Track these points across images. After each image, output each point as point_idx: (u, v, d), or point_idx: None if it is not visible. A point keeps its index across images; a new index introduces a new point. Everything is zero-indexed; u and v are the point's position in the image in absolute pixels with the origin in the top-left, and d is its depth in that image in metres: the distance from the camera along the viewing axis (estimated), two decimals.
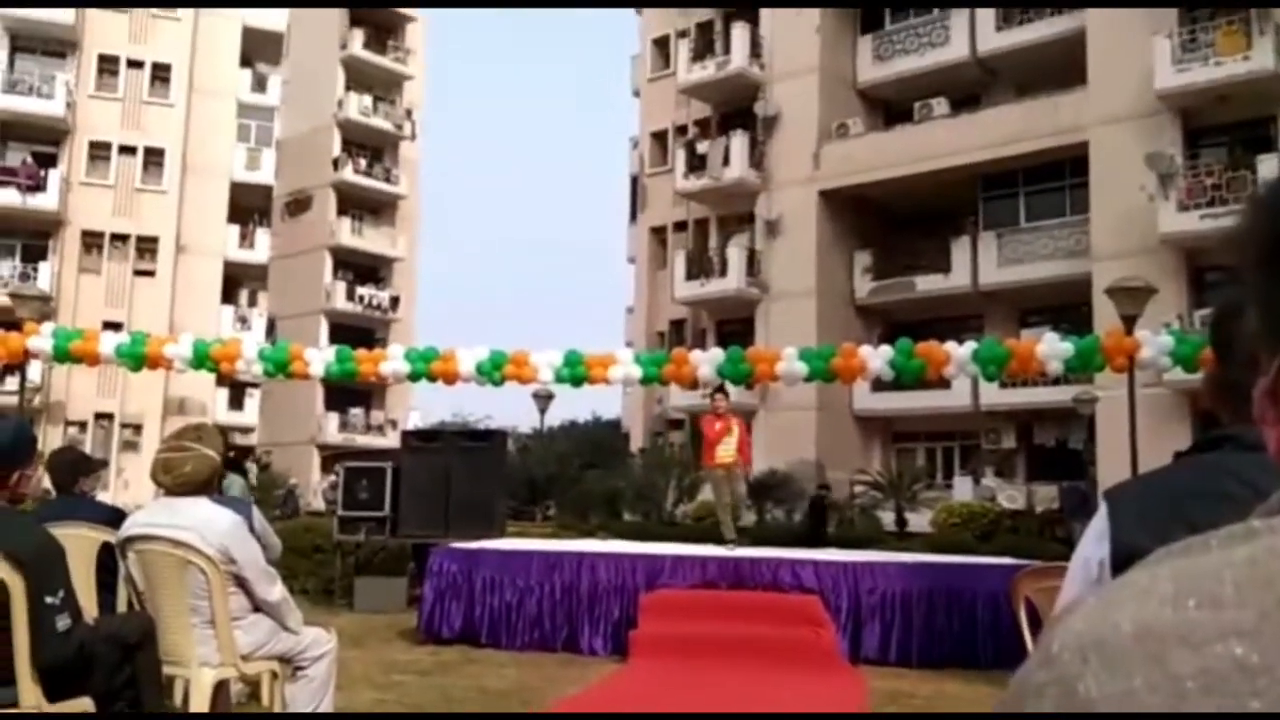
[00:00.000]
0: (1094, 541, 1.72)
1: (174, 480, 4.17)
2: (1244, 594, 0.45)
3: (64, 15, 31.14)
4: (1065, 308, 24.05)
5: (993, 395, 24.44)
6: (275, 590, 4.32)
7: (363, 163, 41.80)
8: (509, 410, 53.61)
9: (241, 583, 4.20)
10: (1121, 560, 1.51)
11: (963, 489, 25.45)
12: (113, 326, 20.33)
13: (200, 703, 4.08)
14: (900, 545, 15.10)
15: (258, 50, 37.47)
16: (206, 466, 4.20)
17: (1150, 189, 21.51)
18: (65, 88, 31.06)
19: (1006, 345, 10.77)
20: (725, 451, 10.39)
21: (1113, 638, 0.46)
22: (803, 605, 8.39)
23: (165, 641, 4.05)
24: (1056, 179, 25.44)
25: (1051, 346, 10.36)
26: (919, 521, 22.59)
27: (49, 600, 3.27)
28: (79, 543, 4.64)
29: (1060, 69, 24.25)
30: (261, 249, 37.74)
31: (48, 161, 31.23)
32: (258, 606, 4.31)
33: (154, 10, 32.54)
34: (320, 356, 11.55)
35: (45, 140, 31.39)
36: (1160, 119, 22.08)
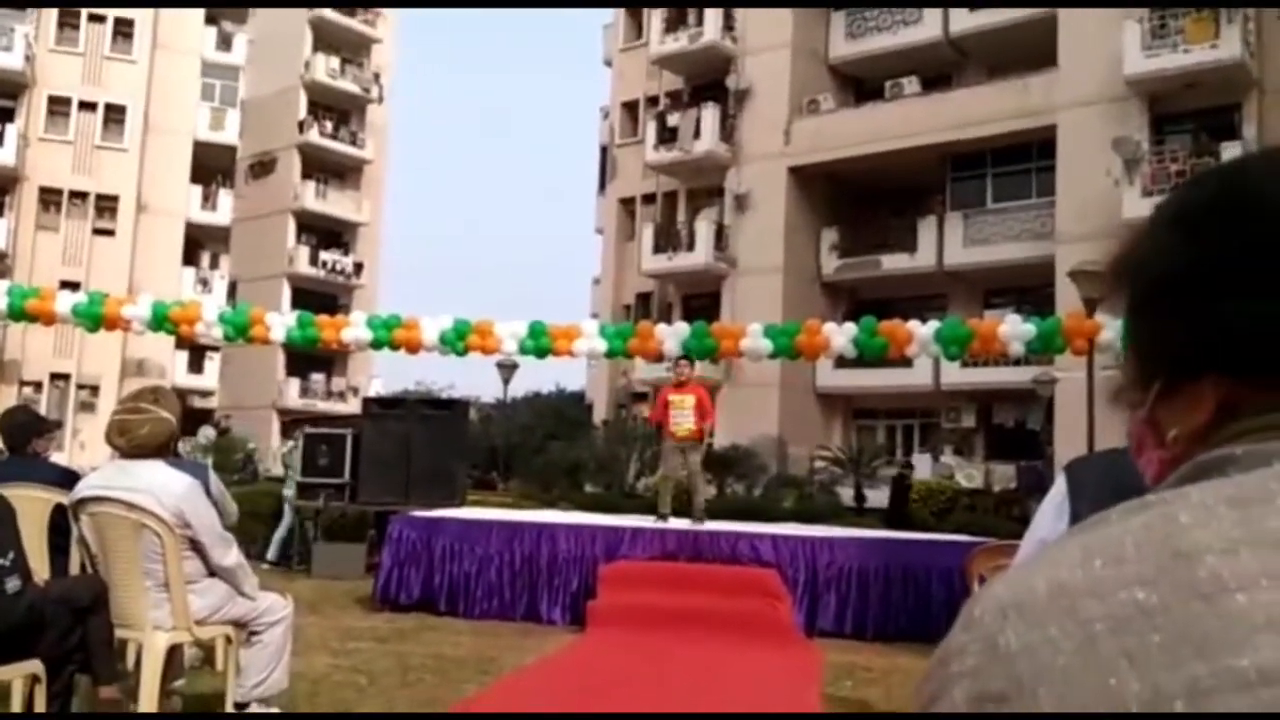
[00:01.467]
0: (1052, 515, 1.73)
1: (129, 443, 4.12)
2: (1142, 551, 0.50)
3: None
4: (1028, 289, 24.26)
5: (954, 375, 24.65)
6: (231, 555, 4.29)
7: (329, 125, 41.30)
8: (472, 380, 53.60)
9: (196, 547, 4.16)
10: None
11: (921, 467, 25.69)
12: (70, 286, 20.03)
13: (153, 666, 4.05)
14: (858, 521, 15.24)
15: (223, 9, 36.83)
16: (164, 430, 4.15)
17: (1116, 174, 21.69)
18: (25, 40, 30.40)
19: (969, 325, 10.84)
20: (680, 424, 9.92)
21: (1028, 597, 0.51)
22: (760, 578, 8.45)
23: (118, 605, 4.01)
24: (1024, 161, 25.59)
25: (1014, 328, 10.44)
26: (878, 498, 22.78)
27: None
28: (31, 504, 4.58)
29: (1031, 51, 24.34)
30: (224, 211, 37.23)
31: (5, 116, 30.59)
32: (213, 571, 4.28)
33: None
34: (281, 321, 11.43)
35: (3, 94, 30.73)
36: (1128, 104, 22.24)
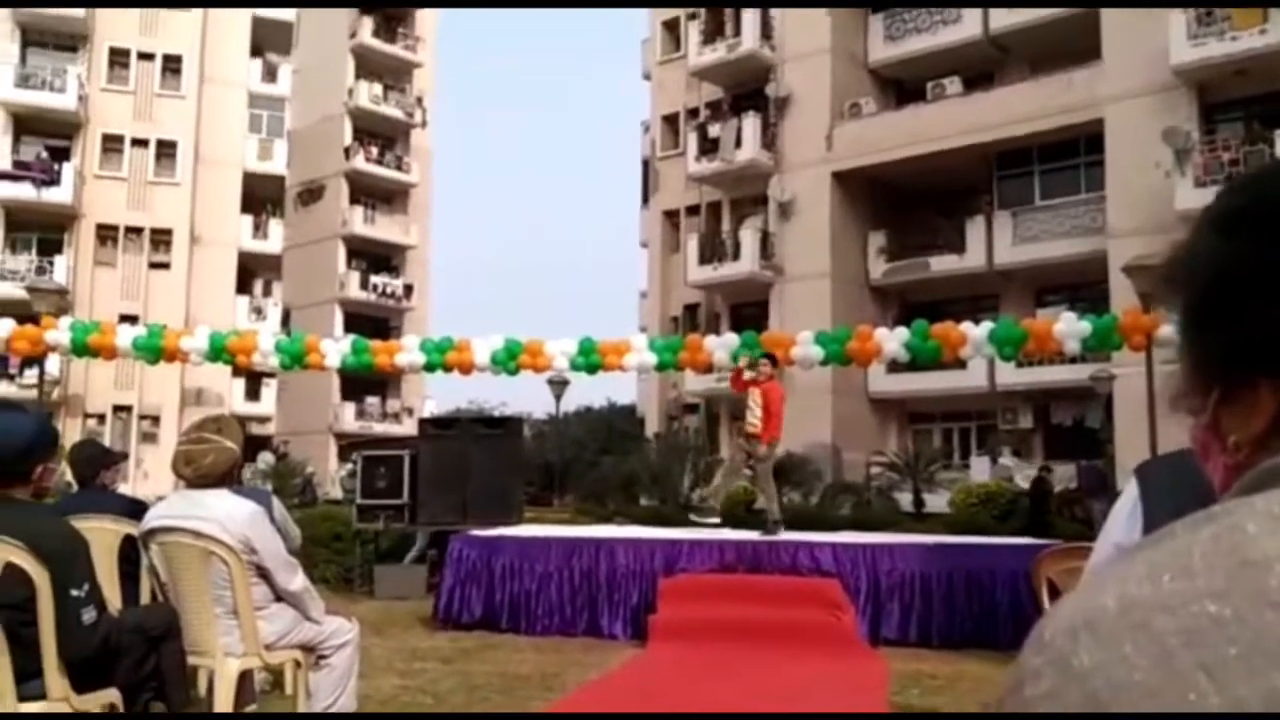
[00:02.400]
0: (1124, 519, 1.70)
1: (195, 472, 4.19)
2: (1211, 563, 0.50)
3: (75, 9, 31.19)
4: (1082, 286, 23.92)
5: (1009, 375, 24.34)
6: (297, 580, 4.34)
7: (374, 151, 41.81)
8: (524, 396, 53.87)
9: (263, 573, 4.22)
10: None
11: (980, 469, 25.38)
12: (129, 319, 20.46)
13: (225, 692, 4.11)
14: (918, 526, 15.08)
15: (268, 40, 37.48)
16: (227, 459, 4.22)
17: (1166, 165, 21.33)
18: (77, 81, 31.15)
19: (1023, 325, 10.71)
20: (750, 419, 9.55)
21: (1099, 616, 0.51)
22: (822, 588, 8.39)
23: (189, 632, 4.08)
24: (1071, 157, 25.26)
25: (1069, 325, 10.31)
26: (936, 502, 22.54)
27: (74, 593, 3.29)
28: (101, 535, 4.67)
29: (1074, 45, 24.04)
30: (275, 239, 37.83)
31: (61, 155, 31.35)
32: (280, 596, 4.34)
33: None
34: (336, 348, 11.58)
35: (58, 134, 31.50)
36: (1176, 94, 21.88)
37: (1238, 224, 0.63)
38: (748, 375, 9.71)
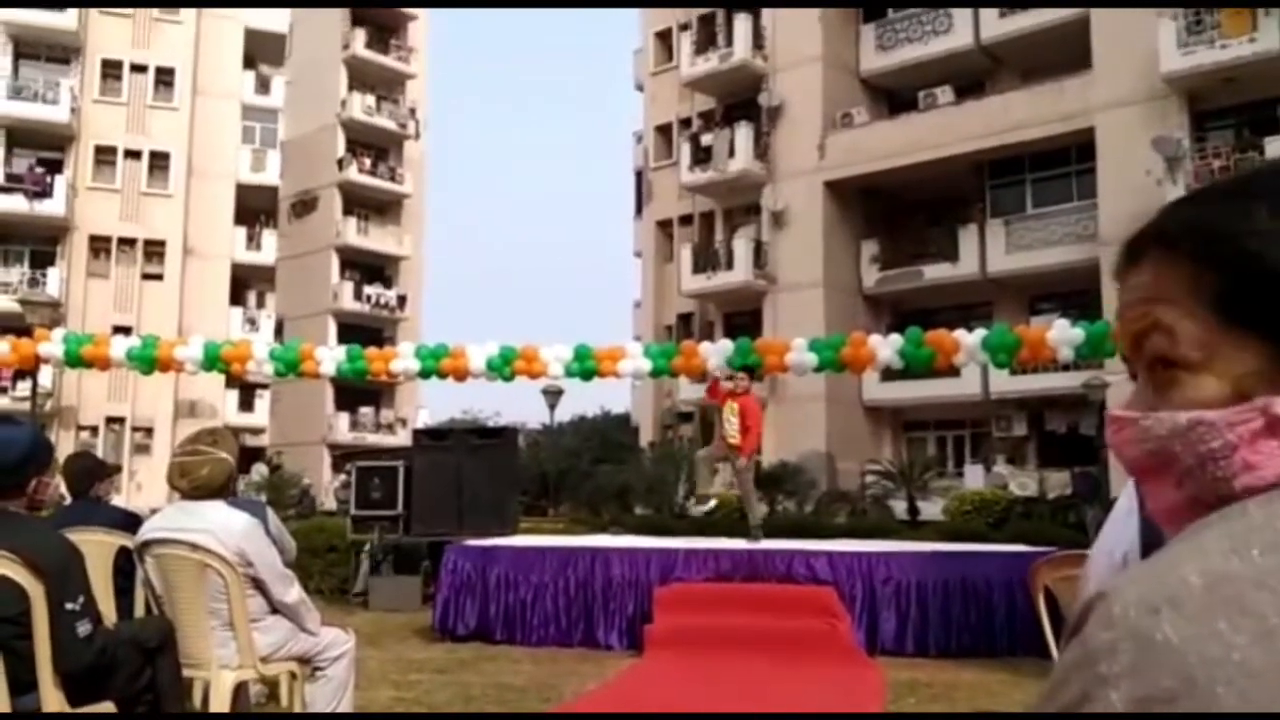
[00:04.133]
0: (1121, 523, 1.70)
1: (190, 484, 4.19)
2: None
3: (67, 21, 31.21)
4: (1074, 293, 23.97)
5: (1002, 383, 24.39)
6: (293, 592, 4.34)
7: (367, 162, 41.82)
8: (518, 406, 53.83)
9: (259, 585, 4.22)
10: (1152, 539, 1.49)
11: (974, 477, 25.41)
12: (122, 330, 20.41)
13: (220, 705, 4.09)
14: (913, 535, 15.08)
15: (260, 52, 37.52)
16: (222, 471, 4.22)
17: (1157, 173, 21.42)
18: (69, 93, 31.14)
19: (1016, 332, 10.73)
20: (728, 430, 9.59)
21: (1181, 590, 0.47)
22: (817, 597, 8.38)
23: (184, 644, 4.07)
24: (1063, 165, 25.35)
25: (1062, 333, 10.33)
26: (931, 510, 22.56)
27: (69, 606, 3.28)
28: (96, 548, 4.65)
29: (1065, 54, 24.15)
30: (268, 250, 37.82)
31: (53, 167, 31.32)
32: (276, 608, 4.33)
33: (155, 13, 32.61)
34: (331, 356, 11.57)
35: (50, 146, 31.48)
36: (1166, 102, 21.99)
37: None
38: (726, 386, 9.83)
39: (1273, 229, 0.59)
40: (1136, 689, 0.47)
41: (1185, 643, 0.46)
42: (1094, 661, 0.48)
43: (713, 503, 10.13)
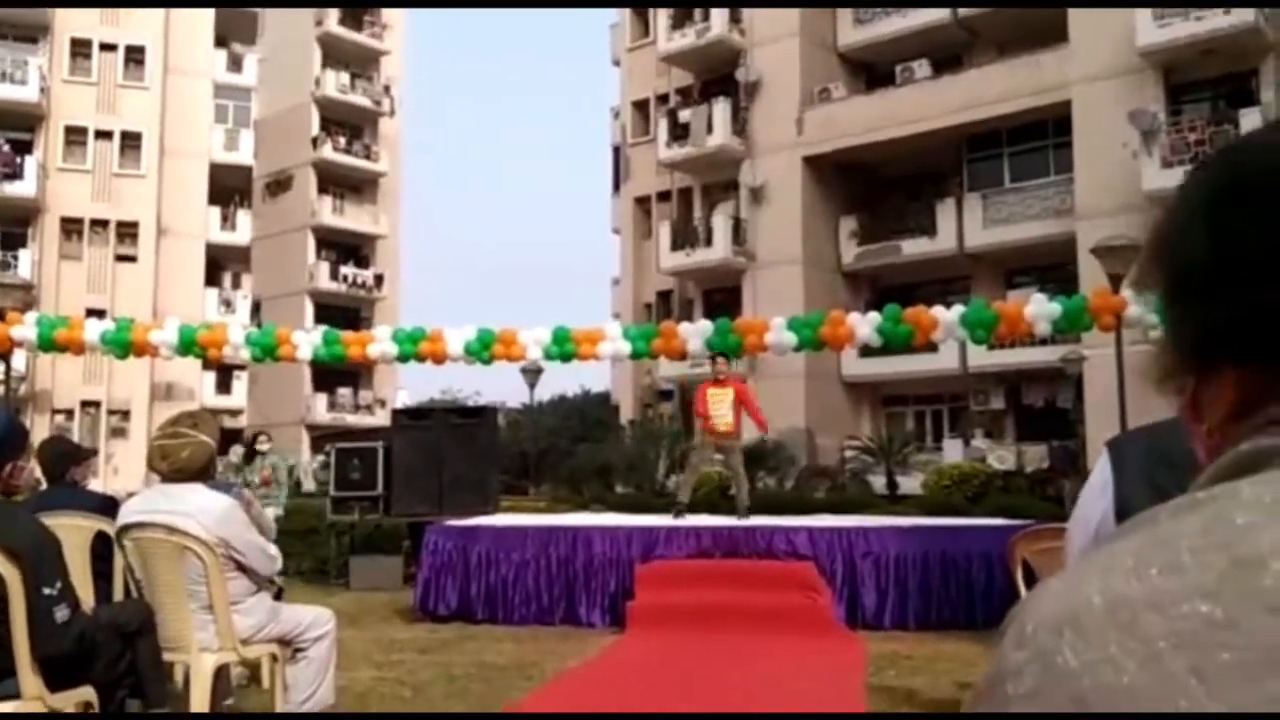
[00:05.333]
0: (1096, 494, 1.71)
1: (170, 467, 4.17)
2: (1201, 558, 0.47)
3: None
4: (1052, 267, 24.10)
5: (980, 357, 24.52)
6: (275, 565, 4.42)
7: (342, 140, 41.49)
8: (497, 385, 53.67)
9: (241, 566, 4.21)
10: (1124, 515, 1.50)
11: (953, 451, 25.57)
12: (96, 313, 20.23)
13: (201, 687, 4.08)
14: (893, 509, 15.19)
15: (232, 30, 37.07)
16: (203, 453, 4.20)
17: (1134, 146, 21.50)
18: (38, 73, 30.72)
19: (994, 308, 10.77)
20: (719, 418, 9.92)
21: (1084, 612, 0.48)
22: (798, 571, 8.43)
23: (164, 628, 4.05)
24: (1040, 138, 25.42)
25: (1039, 308, 10.38)
26: (910, 484, 22.71)
27: (47, 592, 3.26)
28: (73, 532, 4.62)
29: (1041, 28, 24.16)
30: (243, 230, 37.49)
31: (23, 148, 30.90)
32: (256, 589, 4.33)
33: None
34: (308, 339, 11.50)
35: (20, 126, 31.04)
36: (1142, 76, 22.04)
37: (1207, 206, 0.62)
38: (712, 375, 10.16)
39: None
40: (1034, 711, 0.48)
41: (1082, 667, 0.47)
42: (1003, 680, 0.50)
43: (683, 507, 10.29)
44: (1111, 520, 1.60)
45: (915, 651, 7.24)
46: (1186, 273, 0.62)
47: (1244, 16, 20.49)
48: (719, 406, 9.94)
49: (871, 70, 29.04)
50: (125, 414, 30.60)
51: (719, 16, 28.60)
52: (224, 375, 37.64)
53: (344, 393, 40.64)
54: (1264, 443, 0.57)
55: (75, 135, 31.53)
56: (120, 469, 27.86)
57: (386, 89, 42.98)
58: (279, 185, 41.22)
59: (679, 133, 28.73)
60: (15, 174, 30.11)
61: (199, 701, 4.05)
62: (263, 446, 12.27)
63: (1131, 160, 21.43)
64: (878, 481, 23.43)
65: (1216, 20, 20.73)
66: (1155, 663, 0.45)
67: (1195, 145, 20.97)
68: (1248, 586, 0.45)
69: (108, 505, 5.02)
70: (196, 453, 4.17)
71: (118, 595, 4.64)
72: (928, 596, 8.37)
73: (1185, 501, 0.52)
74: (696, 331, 11.06)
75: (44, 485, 5.45)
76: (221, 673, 4.38)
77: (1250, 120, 20.42)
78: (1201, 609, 0.46)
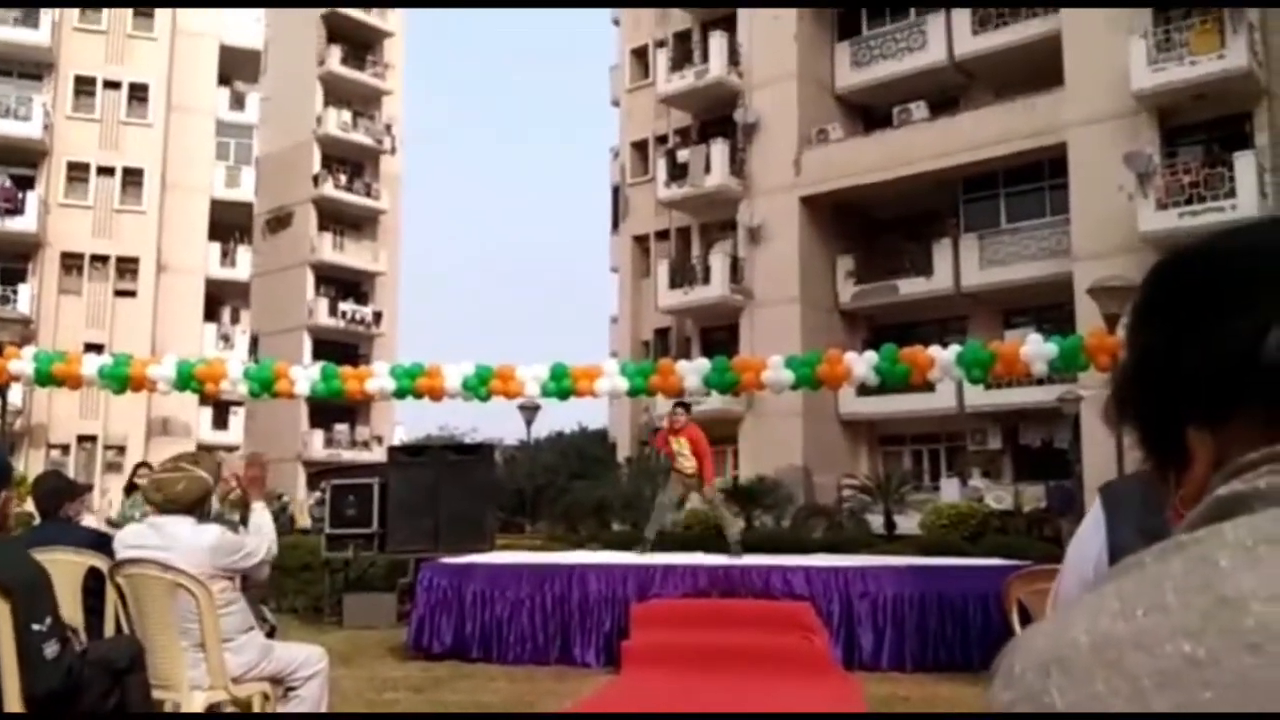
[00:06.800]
0: (1089, 538, 1.71)
1: (164, 498, 4.19)
2: (1185, 598, 0.49)
3: (40, 37, 30.99)
4: (1048, 308, 24.16)
5: (977, 396, 24.50)
6: (266, 568, 4.51)
7: (343, 178, 41.70)
8: (494, 422, 53.67)
9: (245, 579, 4.28)
10: (1117, 560, 1.50)
11: (950, 490, 25.51)
12: (94, 348, 20.23)
13: None
14: (890, 548, 15.12)
15: (235, 68, 37.35)
16: (198, 487, 4.21)
17: (1129, 188, 21.64)
18: (42, 109, 30.91)
19: (990, 348, 10.78)
20: (683, 465, 10.51)
21: (1070, 652, 0.50)
22: (794, 612, 8.38)
23: (155, 665, 4.02)
24: (1036, 180, 25.58)
25: (1036, 348, 10.38)
26: (908, 524, 22.62)
27: (36, 628, 3.24)
28: (65, 568, 4.60)
29: (1037, 71, 24.39)
30: (243, 266, 37.56)
31: (26, 183, 31.03)
32: (248, 628, 4.32)
33: (129, 29, 32.44)
34: (305, 375, 11.48)
35: (23, 162, 31.20)
36: (1137, 119, 22.23)
37: (1142, 317, 0.71)
38: (666, 424, 10.72)
39: None
40: None
41: (1068, 706, 0.48)
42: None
43: (646, 548, 10.60)
44: (1104, 564, 1.60)
45: (912, 693, 7.19)
46: (1138, 372, 0.69)
47: (1238, 61, 20.71)
48: (680, 455, 10.48)
49: (869, 112, 29.27)
50: (121, 449, 30.49)
51: (718, 58, 28.86)
52: (220, 411, 37.57)
53: (340, 429, 40.56)
54: (1240, 488, 0.59)
55: (77, 171, 31.68)
56: (116, 504, 27.70)
57: (388, 128, 43.27)
58: (279, 222, 41.38)
59: (677, 173, 28.90)
60: (17, 209, 30.21)
61: None
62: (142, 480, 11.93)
63: (1127, 202, 21.56)
64: (875, 520, 23.34)
65: (1210, 65, 20.95)
66: (1140, 700, 0.46)
67: (1190, 187, 21.12)
68: (1230, 626, 0.46)
69: (100, 541, 5.00)
70: (191, 486, 4.19)
71: (109, 632, 4.62)
72: (925, 637, 8.32)
73: (1171, 544, 0.53)
74: (694, 369, 11.06)
75: (36, 520, 5.43)
76: (212, 712, 4.34)
77: (1244, 163, 20.60)
78: (1185, 648, 0.46)
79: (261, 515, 4.54)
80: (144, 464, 12.75)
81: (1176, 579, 0.50)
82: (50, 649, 3.27)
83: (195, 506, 4.23)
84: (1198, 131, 22.37)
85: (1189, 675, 0.46)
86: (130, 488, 11.50)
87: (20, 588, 3.22)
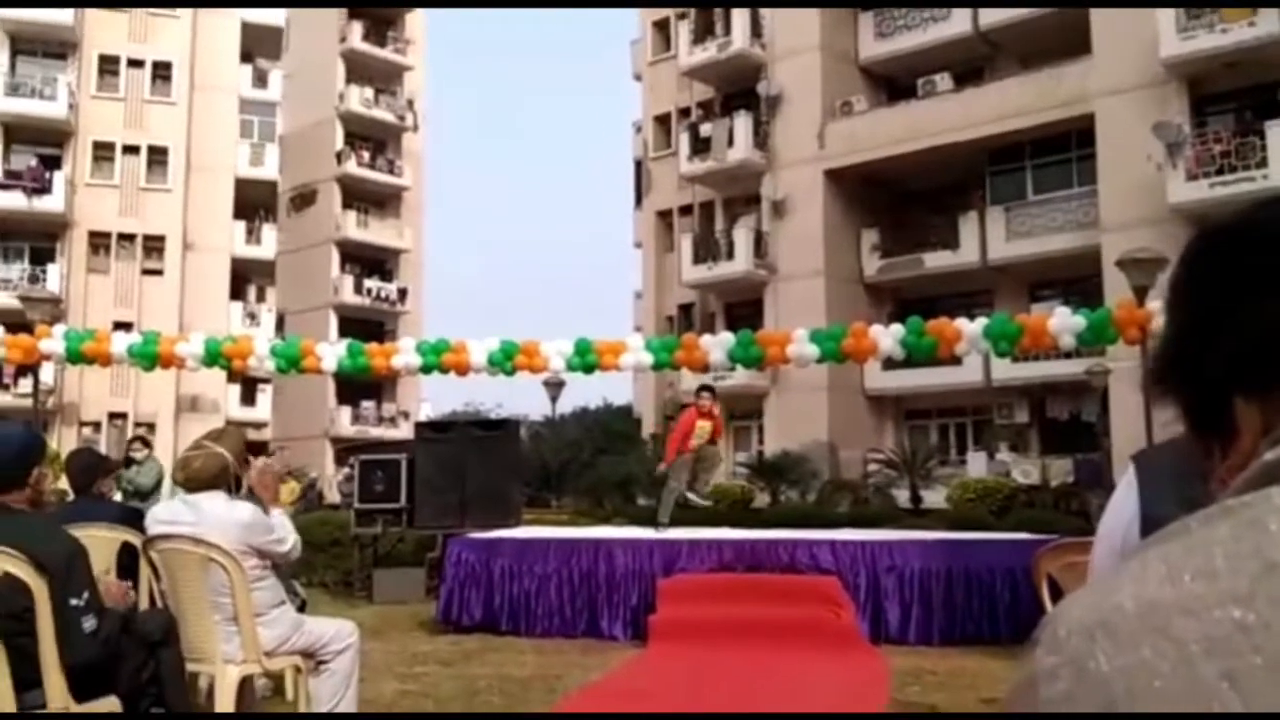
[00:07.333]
0: (1122, 508, 1.70)
1: (185, 476, 4.25)
2: (1234, 564, 0.48)
3: (64, 16, 31.14)
4: (1075, 280, 23.95)
5: (1004, 370, 24.37)
6: (294, 552, 4.54)
7: (366, 155, 41.72)
8: (520, 398, 53.82)
9: (275, 563, 4.32)
10: (1150, 529, 1.49)
11: (977, 465, 25.40)
12: (123, 326, 20.39)
13: (225, 699, 4.10)
14: (917, 523, 15.09)
15: (258, 46, 37.43)
16: (216, 464, 4.25)
17: (1158, 159, 21.36)
18: (67, 89, 31.08)
19: (1018, 320, 10.69)
20: (700, 439, 10.72)
21: (1116, 617, 0.49)
22: (821, 586, 8.39)
23: (188, 639, 4.08)
24: (1063, 151, 25.29)
25: (1063, 321, 10.30)
26: (934, 498, 22.55)
27: (74, 602, 3.29)
28: (99, 543, 4.66)
29: (1064, 40, 24.07)
30: (268, 244, 37.78)
31: (52, 163, 31.27)
32: (280, 602, 4.37)
33: (153, 9, 32.54)
34: (332, 351, 11.55)
35: (49, 142, 31.42)
36: (1166, 88, 21.90)
37: (1178, 295, 0.73)
38: (705, 406, 10.78)
39: None
40: (1068, 713, 0.49)
41: (1114, 671, 0.48)
42: (1035, 685, 0.51)
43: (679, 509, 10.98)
44: (1137, 534, 1.59)
45: (939, 667, 7.19)
46: (1177, 349, 0.70)
47: (1269, 28, 20.34)
48: (701, 433, 10.71)
49: (893, 84, 28.99)
50: (151, 426, 30.76)
51: (740, 30, 28.64)
52: (249, 388, 37.91)
53: (367, 405, 40.79)
54: None
55: (103, 151, 31.89)
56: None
57: (410, 104, 43.23)
58: (303, 199, 41.50)
59: (700, 147, 28.76)
60: (44, 189, 30.46)
61: (223, 712, 4.08)
62: (137, 454, 11.94)
63: (1156, 173, 21.28)
64: (901, 495, 23.28)
65: (1241, 33, 20.58)
66: (1187, 666, 0.46)
67: (1220, 157, 20.82)
68: (1279, 592, 0.46)
69: (133, 516, 5.07)
70: (209, 463, 4.25)
71: (143, 606, 4.68)
72: (951, 611, 8.31)
73: (1217, 510, 0.52)
74: (718, 344, 11.04)
75: (70, 497, 5.50)
76: (246, 684, 4.40)
77: (1277, 132, 20.27)
78: (1234, 614, 0.46)
79: (281, 518, 4.58)
80: (138, 438, 12.89)
81: (1225, 544, 0.49)
82: (88, 623, 3.32)
83: (217, 480, 4.27)
84: (1228, 100, 22.02)
85: (1238, 641, 0.45)
86: (128, 461, 11.64)
87: (57, 564, 3.27)
